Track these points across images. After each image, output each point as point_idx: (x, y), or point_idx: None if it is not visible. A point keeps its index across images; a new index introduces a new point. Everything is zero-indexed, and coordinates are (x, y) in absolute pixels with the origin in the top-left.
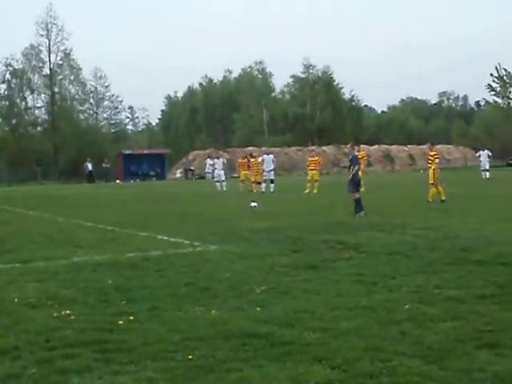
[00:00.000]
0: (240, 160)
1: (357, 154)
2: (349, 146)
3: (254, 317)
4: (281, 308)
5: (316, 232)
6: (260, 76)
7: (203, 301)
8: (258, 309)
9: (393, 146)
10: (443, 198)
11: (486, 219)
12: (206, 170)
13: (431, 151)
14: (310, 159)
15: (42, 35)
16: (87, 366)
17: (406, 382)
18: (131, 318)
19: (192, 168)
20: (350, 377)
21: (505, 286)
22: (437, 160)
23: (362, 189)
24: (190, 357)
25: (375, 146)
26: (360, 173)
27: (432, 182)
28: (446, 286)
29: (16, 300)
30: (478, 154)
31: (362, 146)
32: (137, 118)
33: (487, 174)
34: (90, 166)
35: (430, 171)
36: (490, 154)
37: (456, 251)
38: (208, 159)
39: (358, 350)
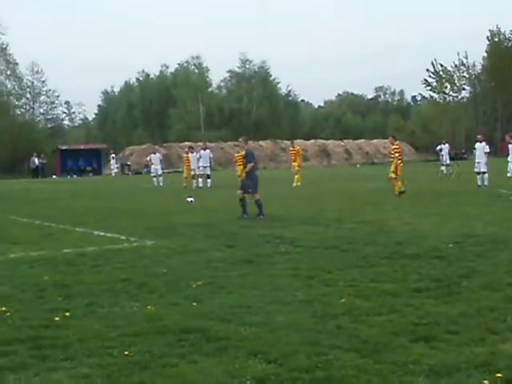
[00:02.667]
0: (185, 155)
1: (249, 148)
2: (241, 139)
3: (190, 312)
4: (217, 303)
5: (251, 227)
6: (197, 71)
7: (139, 296)
8: (194, 304)
9: (329, 141)
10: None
11: (420, 213)
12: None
13: (392, 145)
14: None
15: None
16: (23, 363)
17: (342, 375)
18: (67, 314)
19: (128, 163)
20: (285, 371)
21: (439, 280)
22: (397, 154)
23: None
24: (126, 353)
25: (312, 141)
26: (297, 168)
27: (395, 175)
28: (382, 280)
29: None
30: (438, 148)
31: (298, 140)
32: (73, 113)
33: (446, 169)
34: (36, 161)
35: (392, 165)
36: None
37: (391, 245)
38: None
39: (293, 344)
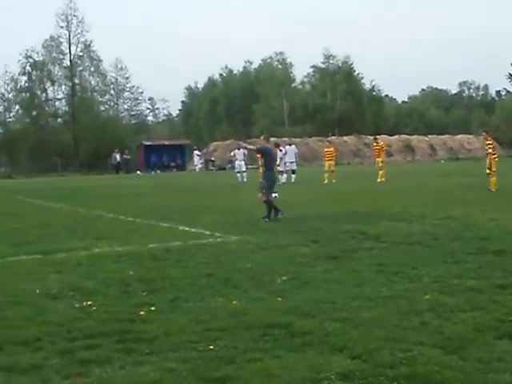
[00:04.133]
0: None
1: (268, 146)
2: (262, 137)
3: (275, 307)
4: (301, 298)
5: (336, 222)
6: (280, 66)
7: (224, 291)
8: (279, 299)
9: (413, 137)
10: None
11: (505, 209)
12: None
13: (487, 140)
14: (325, 150)
15: (62, 27)
16: (108, 357)
17: (426, 371)
18: (152, 308)
19: (212, 159)
20: (370, 367)
21: None
22: (490, 150)
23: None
24: (211, 347)
25: (396, 136)
26: (381, 163)
27: (490, 171)
28: (467, 276)
29: (37, 291)
30: None
31: (382, 135)
32: (157, 109)
33: None
34: (118, 157)
35: (488, 160)
36: None
37: (476, 241)
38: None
39: (378, 340)
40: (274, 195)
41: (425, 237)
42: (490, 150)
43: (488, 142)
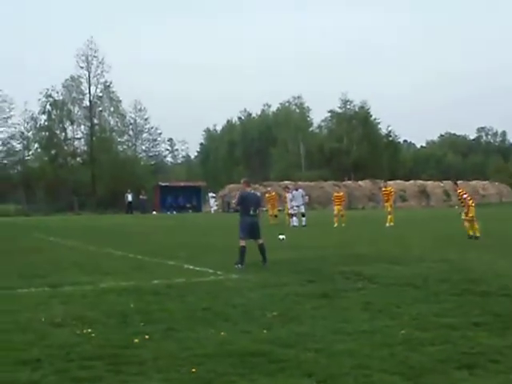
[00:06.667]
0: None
1: (245, 191)
2: (242, 181)
3: (259, 338)
4: (285, 331)
5: (335, 264)
6: (298, 110)
7: (216, 324)
8: (265, 331)
9: (428, 182)
10: (477, 234)
11: (502, 254)
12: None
13: (456, 191)
14: (335, 195)
15: (82, 67)
16: (99, 376)
17: None
18: (146, 336)
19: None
20: None
21: (500, 315)
22: (464, 196)
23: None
24: (193, 370)
25: (411, 182)
26: (390, 208)
27: (467, 217)
28: (445, 315)
29: (43, 319)
30: None
31: (397, 181)
32: (176, 150)
33: None
34: (130, 197)
35: (466, 208)
36: None
37: (463, 283)
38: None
39: (345, 368)
40: (281, 237)
41: (416, 279)
42: (465, 196)
43: (459, 191)
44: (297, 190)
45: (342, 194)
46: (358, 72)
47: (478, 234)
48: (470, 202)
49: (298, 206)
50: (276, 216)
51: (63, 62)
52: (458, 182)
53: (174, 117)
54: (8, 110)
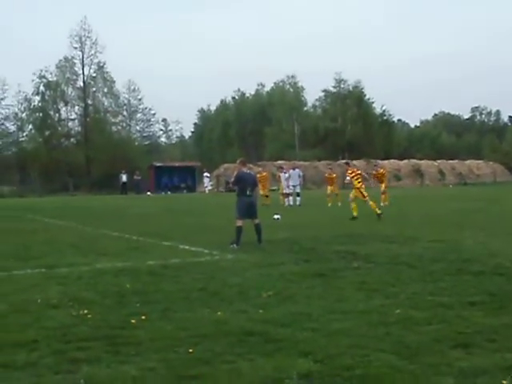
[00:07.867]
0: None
1: (242, 172)
2: (238, 161)
3: (255, 318)
4: (281, 311)
5: (331, 243)
6: (292, 90)
7: (211, 303)
8: (261, 311)
9: (422, 161)
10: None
11: (497, 233)
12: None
13: (347, 171)
14: (326, 175)
15: (76, 48)
16: (97, 357)
17: (378, 373)
18: (143, 317)
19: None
20: (329, 369)
21: (496, 295)
22: (349, 177)
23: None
24: (190, 350)
25: (405, 161)
26: (383, 188)
27: (364, 198)
28: (440, 294)
29: (39, 301)
30: None
31: (391, 160)
32: (170, 130)
33: None
34: (124, 178)
35: (356, 190)
36: None
37: (458, 263)
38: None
39: (342, 347)
40: (276, 217)
41: (411, 258)
42: (355, 178)
43: (348, 172)
44: (294, 169)
45: (334, 175)
46: (352, 51)
47: (355, 214)
48: (356, 182)
49: (294, 186)
50: (267, 196)
51: (57, 43)
52: (452, 161)
53: (168, 97)
54: (1, 91)
